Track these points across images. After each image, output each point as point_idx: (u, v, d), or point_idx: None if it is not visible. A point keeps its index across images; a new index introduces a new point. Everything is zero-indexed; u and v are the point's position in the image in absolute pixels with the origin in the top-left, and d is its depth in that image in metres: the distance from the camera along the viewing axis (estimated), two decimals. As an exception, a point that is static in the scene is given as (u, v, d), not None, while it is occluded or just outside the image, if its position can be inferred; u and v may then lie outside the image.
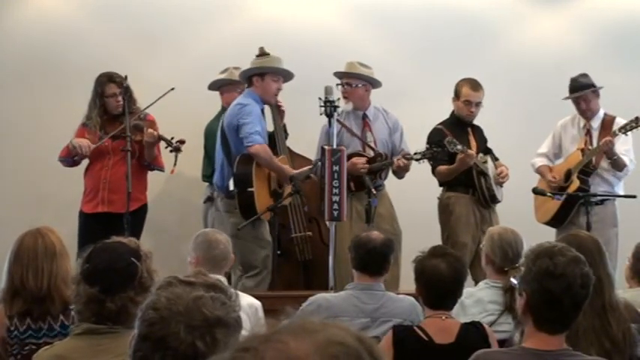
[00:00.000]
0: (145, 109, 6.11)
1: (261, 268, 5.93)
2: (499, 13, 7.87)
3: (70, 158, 6.08)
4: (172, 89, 6.07)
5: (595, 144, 6.36)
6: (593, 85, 6.41)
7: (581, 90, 6.38)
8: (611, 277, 3.28)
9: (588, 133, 6.46)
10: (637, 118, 6.17)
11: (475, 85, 6.44)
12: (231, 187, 5.87)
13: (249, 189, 5.80)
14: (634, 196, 6.15)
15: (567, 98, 6.47)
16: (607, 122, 6.41)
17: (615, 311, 3.17)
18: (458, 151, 6.13)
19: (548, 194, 6.25)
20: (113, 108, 6.09)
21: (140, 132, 6.01)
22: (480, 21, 7.80)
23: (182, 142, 5.93)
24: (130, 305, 2.60)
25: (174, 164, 5.93)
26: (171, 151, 5.95)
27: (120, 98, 6.05)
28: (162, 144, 6.09)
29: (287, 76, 6.13)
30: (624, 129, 6.20)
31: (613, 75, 7.47)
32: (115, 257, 2.67)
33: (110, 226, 5.59)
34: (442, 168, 6.32)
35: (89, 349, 2.59)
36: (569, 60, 7.45)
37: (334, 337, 1.11)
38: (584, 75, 6.44)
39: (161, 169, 6.20)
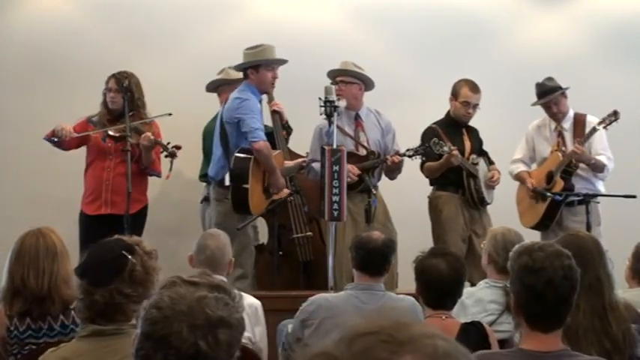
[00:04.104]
0: (140, 122, 6.11)
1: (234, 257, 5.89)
2: (499, 13, 7.87)
3: (53, 139, 6.06)
4: (170, 114, 6.10)
5: (569, 144, 6.33)
6: (560, 88, 6.39)
7: (550, 94, 6.37)
8: (611, 277, 3.28)
9: (560, 134, 6.44)
10: (615, 111, 6.15)
11: (474, 86, 6.46)
12: (227, 182, 5.89)
13: (245, 185, 5.82)
14: (634, 196, 6.15)
15: (536, 104, 6.46)
16: (578, 122, 6.39)
17: (615, 311, 3.17)
18: (444, 153, 6.17)
19: (549, 194, 6.25)
20: (108, 102, 6.13)
21: (139, 135, 6.01)
22: (479, 21, 7.80)
23: (178, 147, 5.91)
24: (118, 297, 2.60)
25: (170, 169, 5.95)
26: (166, 156, 5.95)
27: (113, 94, 6.08)
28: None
29: (280, 63, 6.12)
30: (604, 123, 6.19)
31: (613, 75, 7.48)
32: (106, 251, 2.68)
33: (113, 227, 5.56)
34: (429, 164, 6.36)
35: (95, 351, 2.58)
36: (569, 60, 7.46)
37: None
38: (550, 78, 6.43)
39: (158, 174, 6.17)
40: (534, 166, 6.58)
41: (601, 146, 6.33)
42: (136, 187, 5.89)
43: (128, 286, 2.61)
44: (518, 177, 6.55)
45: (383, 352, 1.04)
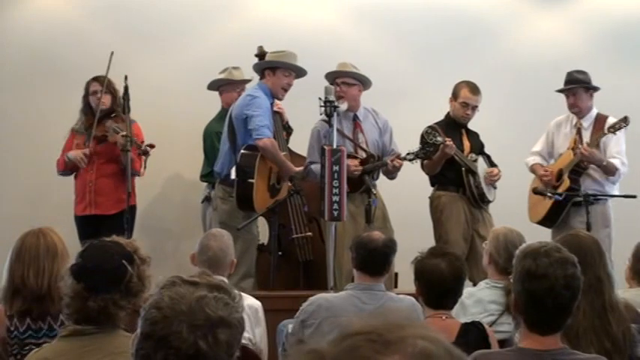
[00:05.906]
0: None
1: (237, 259, 5.90)
2: (499, 13, 7.87)
3: (69, 170, 6.21)
4: (112, 53, 6.10)
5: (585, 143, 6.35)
6: (586, 83, 6.40)
7: (573, 84, 6.38)
8: (611, 277, 3.28)
9: (579, 132, 6.45)
10: (626, 117, 6.17)
11: (474, 88, 6.45)
12: (233, 175, 5.92)
13: (250, 180, 5.85)
14: (634, 196, 6.15)
15: (559, 91, 6.47)
16: (599, 122, 6.39)
17: (615, 311, 3.17)
18: (438, 142, 6.17)
19: (549, 194, 6.25)
20: (95, 105, 6.17)
21: (116, 134, 6.05)
22: (479, 21, 7.81)
23: (151, 146, 5.99)
24: (112, 307, 2.60)
25: (144, 167, 6.03)
26: (139, 155, 6.02)
27: (100, 95, 6.12)
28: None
29: (299, 72, 6.19)
30: (613, 128, 6.20)
31: (613, 75, 7.48)
32: (106, 257, 2.66)
33: (98, 227, 5.69)
34: (427, 161, 6.36)
35: (76, 351, 2.58)
36: (569, 60, 7.44)
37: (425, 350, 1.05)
38: (582, 72, 6.43)
39: (137, 173, 6.18)
40: (552, 162, 6.59)
41: (616, 149, 6.34)
42: (118, 187, 6.00)
43: (123, 298, 2.61)
44: (532, 169, 6.59)
45: (368, 351, 1.03)
